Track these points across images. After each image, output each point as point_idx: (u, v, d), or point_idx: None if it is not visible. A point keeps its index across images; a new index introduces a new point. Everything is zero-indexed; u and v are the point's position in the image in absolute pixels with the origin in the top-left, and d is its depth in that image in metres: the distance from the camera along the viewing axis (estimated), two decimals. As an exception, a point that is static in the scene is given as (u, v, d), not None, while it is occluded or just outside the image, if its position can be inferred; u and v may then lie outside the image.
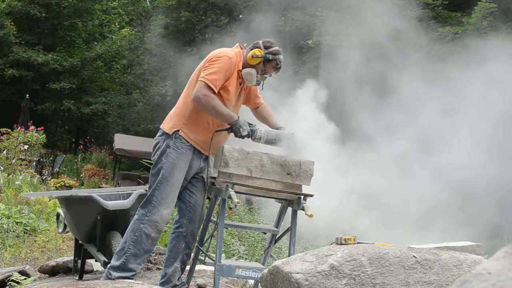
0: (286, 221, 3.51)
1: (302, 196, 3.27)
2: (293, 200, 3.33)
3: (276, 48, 3.54)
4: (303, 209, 3.22)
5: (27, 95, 16.93)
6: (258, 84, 3.61)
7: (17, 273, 3.97)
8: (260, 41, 3.56)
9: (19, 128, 13.57)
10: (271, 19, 16.44)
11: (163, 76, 19.55)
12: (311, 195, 3.27)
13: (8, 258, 5.64)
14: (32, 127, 13.67)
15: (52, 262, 4.98)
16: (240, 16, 19.05)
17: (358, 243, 2.60)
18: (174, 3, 20.46)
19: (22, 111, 15.75)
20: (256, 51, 3.49)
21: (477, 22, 10.33)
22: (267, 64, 3.51)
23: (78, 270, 4.62)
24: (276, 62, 3.51)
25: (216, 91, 3.38)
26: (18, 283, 3.70)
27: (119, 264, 3.45)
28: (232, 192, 3.10)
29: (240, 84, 3.58)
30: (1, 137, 12.96)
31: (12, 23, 20.17)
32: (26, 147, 12.43)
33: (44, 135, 14.04)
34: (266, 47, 3.52)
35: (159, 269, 4.71)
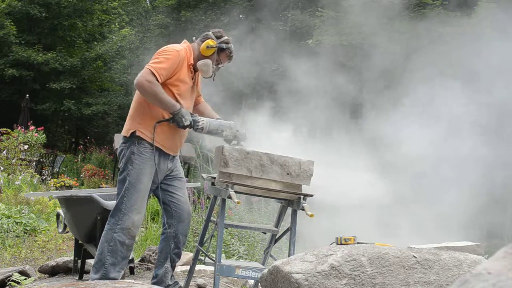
0: (286, 221, 3.51)
1: (302, 196, 3.27)
2: (293, 200, 3.33)
3: (227, 37, 3.56)
4: (303, 209, 3.22)
5: (27, 95, 16.93)
6: (210, 77, 3.60)
7: (17, 273, 3.97)
8: (210, 32, 3.57)
9: (19, 128, 13.57)
10: (271, 18, 16.43)
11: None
12: (311, 195, 3.27)
13: (8, 258, 5.64)
14: (32, 127, 13.66)
15: (52, 262, 4.98)
16: (240, 16, 19.05)
17: (358, 243, 2.59)
18: (174, 3, 20.46)
19: (22, 111, 15.75)
20: (210, 42, 3.50)
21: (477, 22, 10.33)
22: (221, 53, 3.53)
23: (78, 270, 4.62)
24: (229, 51, 3.54)
25: (160, 80, 3.35)
26: (18, 283, 3.70)
27: (100, 277, 3.43)
28: (232, 192, 3.10)
29: (192, 78, 3.57)
30: (1, 137, 12.96)
31: (12, 23, 20.15)
32: (26, 147, 12.43)
33: (44, 135, 14.03)
34: (217, 37, 3.54)
35: (159, 269, 4.70)
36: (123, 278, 3.62)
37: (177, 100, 3.43)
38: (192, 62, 3.51)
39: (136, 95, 3.56)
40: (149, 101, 3.41)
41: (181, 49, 3.49)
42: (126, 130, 3.52)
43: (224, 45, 3.51)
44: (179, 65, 3.43)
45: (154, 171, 3.50)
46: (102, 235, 3.49)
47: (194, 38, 3.63)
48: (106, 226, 3.50)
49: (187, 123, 3.36)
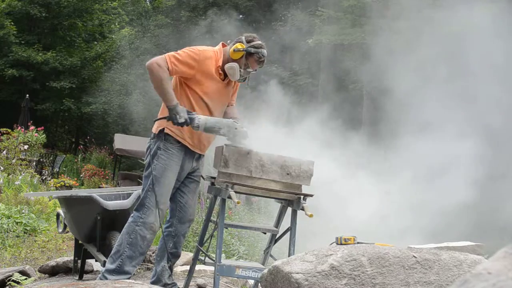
0: (286, 221, 3.51)
1: (301, 196, 3.27)
2: (292, 200, 3.33)
3: (259, 42, 3.53)
4: (302, 209, 3.22)
5: (27, 95, 16.93)
6: (244, 80, 3.60)
7: (17, 273, 3.97)
8: (243, 36, 3.56)
9: (19, 128, 13.56)
10: (271, 19, 16.44)
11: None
12: (311, 195, 3.27)
13: (8, 258, 5.64)
14: (32, 127, 13.66)
15: (52, 262, 4.98)
16: (240, 16, 19.04)
17: (358, 243, 2.59)
18: (174, 3, 20.45)
19: (22, 111, 15.75)
20: (238, 45, 3.48)
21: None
22: (250, 58, 3.50)
23: (78, 270, 4.62)
24: (259, 56, 3.49)
25: (170, 68, 3.36)
26: (18, 283, 3.70)
27: (115, 267, 3.44)
28: (232, 192, 3.10)
29: (223, 80, 3.57)
30: (1, 137, 12.95)
31: (12, 23, 20.16)
32: (26, 147, 12.42)
33: (44, 135, 14.03)
34: (248, 41, 3.52)
35: (159, 269, 4.70)
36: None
37: (202, 100, 3.46)
38: (220, 64, 3.51)
39: None
40: (153, 85, 3.43)
41: (207, 50, 3.52)
42: (155, 128, 3.56)
43: (252, 50, 3.47)
44: (198, 63, 3.43)
45: (179, 168, 3.53)
46: (125, 226, 3.53)
47: (228, 41, 3.63)
48: (129, 219, 3.54)
49: (181, 120, 3.33)
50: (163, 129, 3.51)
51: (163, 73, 3.35)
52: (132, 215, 3.55)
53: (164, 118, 3.42)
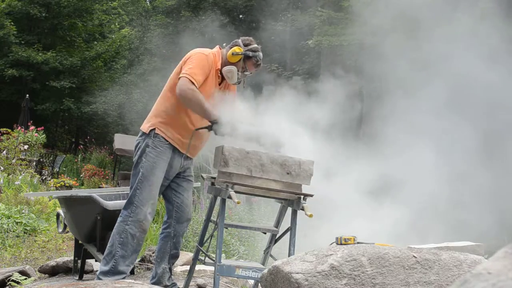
0: (286, 221, 3.51)
1: (302, 196, 3.27)
2: (293, 200, 3.33)
3: (256, 45, 3.58)
4: (302, 209, 3.22)
5: (27, 95, 16.93)
6: (239, 83, 3.63)
7: (17, 273, 3.97)
8: (239, 39, 3.60)
9: (19, 128, 13.57)
10: (271, 19, 16.44)
11: (162, 76, 19.49)
12: (311, 195, 3.27)
13: (8, 258, 5.64)
14: (32, 127, 13.66)
15: (52, 262, 4.98)
16: (240, 16, 19.06)
17: (358, 243, 2.59)
18: (174, 3, 20.46)
19: (22, 111, 15.76)
20: (236, 49, 3.52)
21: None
22: (247, 61, 3.54)
23: (78, 270, 4.62)
24: (256, 59, 3.55)
25: (198, 86, 3.37)
26: (18, 283, 3.70)
27: (109, 268, 3.45)
28: (232, 192, 3.10)
29: (220, 84, 3.59)
30: (1, 137, 12.96)
31: (12, 23, 20.16)
32: (26, 147, 12.43)
33: (44, 135, 14.04)
34: (245, 45, 3.56)
35: (159, 269, 4.70)
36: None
37: None
38: (219, 67, 3.54)
39: (162, 96, 3.59)
40: (190, 109, 3.42)
41: (209, 53, 3.52)
42: (146, 127, 3.56)
43: (250, 53, 3.51)
44: (209, 69, 3.46)
45: (167, 166, 3.54)
46: (115, 227, 3.53)
47: (224, 44, 3.65)
48: (118, 218, 3.54)
49: (226, 131, 3.35)
50: (154, 129, 3.52)
51: (198, 95, 3.33)
52: (120, 214, 3.54)
53: (206, 128, 3.39)
